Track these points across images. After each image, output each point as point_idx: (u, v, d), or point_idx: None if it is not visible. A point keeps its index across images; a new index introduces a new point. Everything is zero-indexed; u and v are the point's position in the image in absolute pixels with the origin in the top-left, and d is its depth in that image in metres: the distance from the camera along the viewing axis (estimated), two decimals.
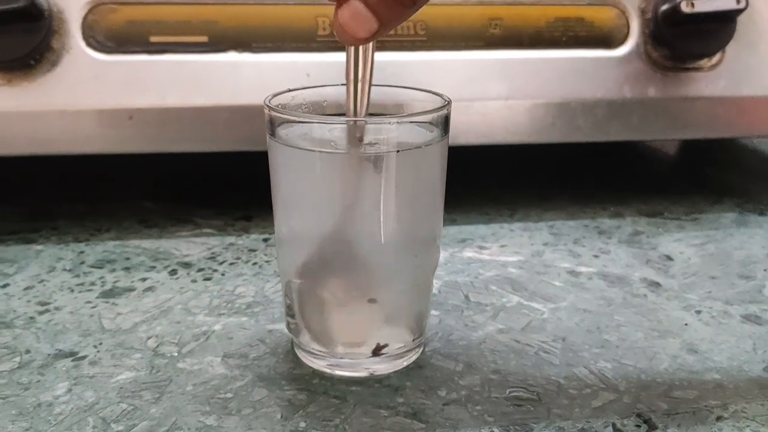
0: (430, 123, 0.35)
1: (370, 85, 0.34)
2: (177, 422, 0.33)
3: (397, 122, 0.33)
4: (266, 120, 0.35)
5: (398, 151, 0.33)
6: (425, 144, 0.34)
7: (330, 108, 0.38)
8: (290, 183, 0.35)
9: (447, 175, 0.37)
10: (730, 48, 0.58)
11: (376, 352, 0.36)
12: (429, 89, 0.37)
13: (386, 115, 0.35)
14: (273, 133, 0.35)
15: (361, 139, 0.33)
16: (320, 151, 0.33)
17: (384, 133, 0.34)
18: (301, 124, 0.35)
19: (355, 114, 0.33)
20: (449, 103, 0.35)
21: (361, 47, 0.33)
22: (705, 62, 0.58)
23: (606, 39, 0.57)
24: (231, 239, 0.53)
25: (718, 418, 0.33)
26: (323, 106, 0.38)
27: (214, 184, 0.65)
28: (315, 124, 0.35)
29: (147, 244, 0.52)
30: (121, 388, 0.35)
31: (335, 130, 0.35)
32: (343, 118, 0.35)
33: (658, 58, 0.58)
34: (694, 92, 0.59)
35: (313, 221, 0.35)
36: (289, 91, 0.37)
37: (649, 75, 0.58)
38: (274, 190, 0.36)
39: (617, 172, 0.71)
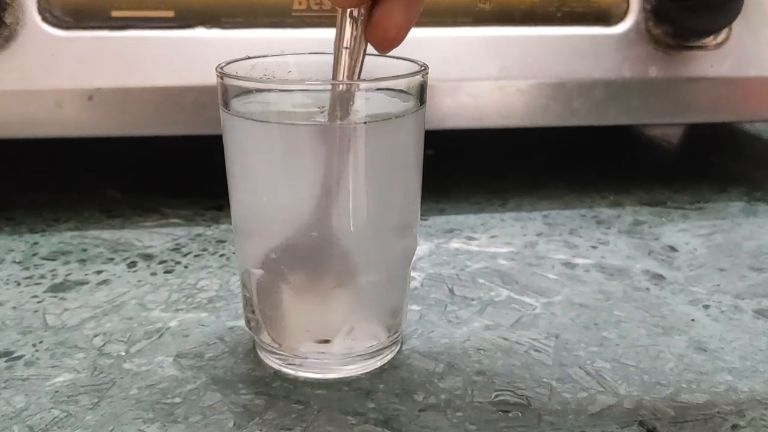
0: (405, 92, 0.31)
1: (365, 52, 0.29)
2: (114, 431, 0.29)
3: (366, 89, 0.29)
4: (219, 90, 0.31)
5: (366, 123, 0.29)
6: (397, 115, 0.30)
7: (295, 78, 0.34)
8: (246, 161, 0.31)
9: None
10: (737, 25, 0.54)
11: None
12: (405, 57, 0.33)
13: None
14: (226, 105, 0.31)
15: (347, 113, 0.29)
16: (279, 123, 0.29)
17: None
18: (259, 95, 0.31)
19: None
20: (425, 68, 0.31)
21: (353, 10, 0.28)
22: (710, 40, 0.54)
23: (604, 15, 0.53)
24: (199, 230, 0.49)
25: (734, 427, 0.29)
26: (287, 76, 0.34)
27: (185, 171, 0.61)
28: (276, 93, 0.31)
29: (107, 234, 0.48)
30: (57, 392, 0.31)
31: (299, 100, 0.31)
32: (310, 83, 0.31)
33: (660, 35, 0.53)
34: (699, 72, 0.54)
35: (272, 204, 0.31)
36: (248, 58, 0.33)
37: (650, 54, 0.54)
38: (229, 170, 0.32)
39: (616, 159, 0.67)
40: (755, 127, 0.75)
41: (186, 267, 0.44)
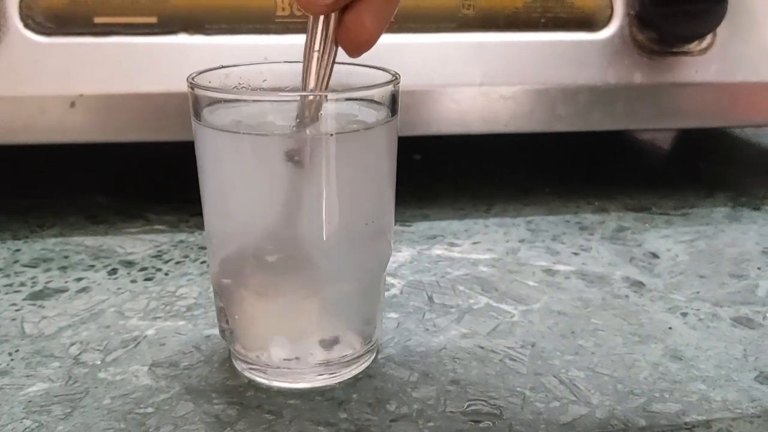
0: (377, 102, 0.31)
1: (334, 57, 0.29)
2: None
3: (335, 99, 0.29)
4: (190, 100, 0.31)
5: (333, 135, 0.29)
6: (367, 126, 0.30)
7: (269, 87, 0.34)
8: (217, 171, 0.31)
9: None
10: (722, 30, 0.54)
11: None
12: (377, 65, 0.33)
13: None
14: (197, 116, 0.31)
15: (315, 118, 0.29)
16: (247, 134, 0.29)
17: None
18: (231, 104, 0.31)
19: (315, 87, 0.29)
20: (397, 78, 0.31)
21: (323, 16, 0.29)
22: (695, 45, 0.54)
23: (588, 20, 0.53)
24: (182, 236, 0.49)
25: None
26: (262, 85, 0.34)
27: (172, 176, 0.61)
28: (246, 104, 0.31)
29: (90, 241, 0.48)
30: (30, 401, 0.31)
31: (271, 110, 0.31)
32: (280, 94, 0.31)
33: (644, 41, 0.54)
34: (684, 78, 0.54)
35: (242, 214, 0.31)
36: (222, 68, 0.33)
37: (635, 59, 0.54)
38: (201, 180, 0.32)
39: (602, 165, 0.67)
40: (744, 131, 0.75)
41: (166, 274, 0.44)
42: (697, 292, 0.42)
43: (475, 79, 0.52)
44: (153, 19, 0.48)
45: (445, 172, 0.63)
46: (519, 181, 0.60)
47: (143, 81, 0.49)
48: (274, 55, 0.50)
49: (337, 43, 0.29)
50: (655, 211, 0.55)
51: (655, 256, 0.47)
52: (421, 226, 0.51)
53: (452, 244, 0.48)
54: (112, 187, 0.59)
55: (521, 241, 0.49)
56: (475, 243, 0.49)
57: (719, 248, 0.48)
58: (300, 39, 0.50)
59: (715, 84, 0.55)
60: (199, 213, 0.52)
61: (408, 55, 0.52)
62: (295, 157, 0.28)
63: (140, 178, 0.61)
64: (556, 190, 0.58)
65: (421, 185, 0.58)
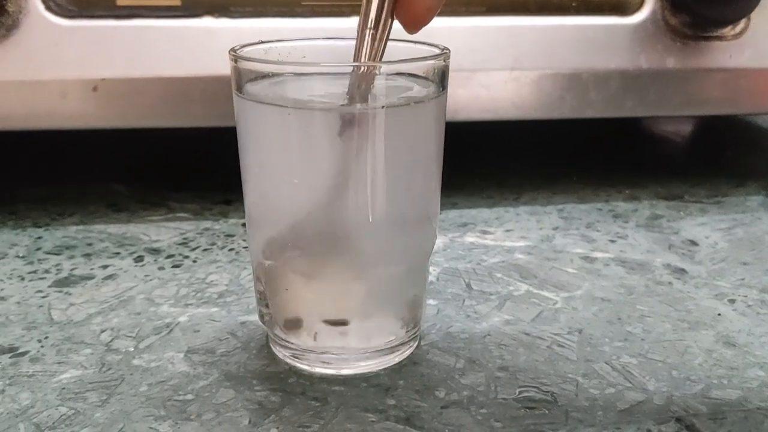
0: (425, 78, 0.30)
1: (388, 35, 0.28)
2: (124, 429, 0.28)
3: (386, 72, 0.28)
4: (233, 75, 0.30)
5: (384, 107, 0.27)
6: (417, 100, 0.29)
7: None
8: (261, 147, 0.29)
9: (446, 153, 0.32)
10: (756, 15, 0.53)
11: None
12: (424, 41, 0.32)
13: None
14: (240, 90, 0.29)
15: (366, 94, 0.28)
16: (295, 108, 0.28)
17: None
18: (274, 79, 0.29)
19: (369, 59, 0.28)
20: (446, 52, 0.30)
21: None
22: (728, 30, 0.53)
23: (620, 4, 0.52)
24: (207, 224, 0.48)
25: None
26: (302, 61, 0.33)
27: (193, 165, 0.60)
28: (292, 78, 0.30)
29: (113, 229, 0.47)
30: (64, 388, 0.30)
31: (315, 84, 0.30)
32: (326, 65, 0.29)
33: (677, 25, 0.52)
34: (717, 63, 0.53)
35: (287, 193, 0.29)
36: (261, 43, 0.32)
37: (668, 44, 0.52)
38: (243, 158, 0.30)
39: (628, 154, 0.66)
40: (765, 121, 0.74)
41: (194, 261, 0.42)
42: (742, 279, 0.41)
43: (506, 64, 0.51)
44: (177, 2, 0.47)
45: (469, 160, 0.61)
46: (545, 170, 0.59)
47: (167, 65, 0.47)
48: None
49: (393, 17, 0.28)
50: (688, 200, 0.54)
51: (693, 243, 0.46)
52: (451, 214, 0.50)
53: (484, 232, 0.47)
54: (130, 175, 0.57)
55: (555, 228, 0.48)
56: (507, 231, 0.47)
57: (758, 236, 0.47)
58: (326, 23, 0.49)
59: (748, 70, 0.54)
60: (222, 201, 0.52)
61: (437, 39, 0.50)
62: (344, 132, 0.27)
63: (159, 166, 0.60)
64: (583, 179, 0.57)
65: (446, 173, 0.56)
